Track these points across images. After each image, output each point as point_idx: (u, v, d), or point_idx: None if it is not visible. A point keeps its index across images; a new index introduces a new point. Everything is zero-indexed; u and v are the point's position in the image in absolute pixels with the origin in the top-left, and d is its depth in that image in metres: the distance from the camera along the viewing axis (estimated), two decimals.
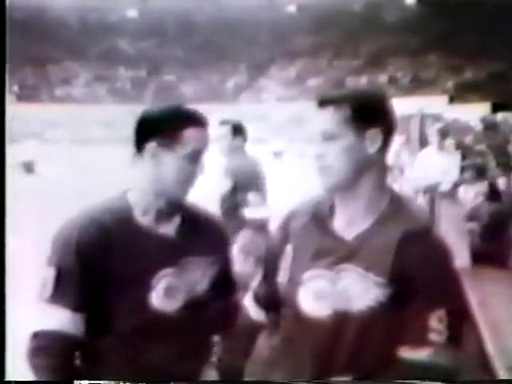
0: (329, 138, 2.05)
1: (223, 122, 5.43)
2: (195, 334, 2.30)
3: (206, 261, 2.34)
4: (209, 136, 2.32)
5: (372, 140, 2.03)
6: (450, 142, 8.72)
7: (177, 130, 2.25)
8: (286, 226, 2.24)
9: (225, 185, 5.20)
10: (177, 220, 2.33)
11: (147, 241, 2.27)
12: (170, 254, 2.28)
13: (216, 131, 5.29)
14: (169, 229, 2.31)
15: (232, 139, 5.30)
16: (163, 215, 2.30)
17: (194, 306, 2.30)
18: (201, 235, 2.36)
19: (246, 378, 2.27)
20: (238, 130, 5.32)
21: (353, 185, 2.06)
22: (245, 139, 5.33)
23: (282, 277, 2.17)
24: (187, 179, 2.28)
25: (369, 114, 2.04)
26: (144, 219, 2.29)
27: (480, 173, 9.60)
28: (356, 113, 2.03)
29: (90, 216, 2.29)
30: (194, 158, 2.25)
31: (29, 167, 22.69)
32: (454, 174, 8.31)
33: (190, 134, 2.25)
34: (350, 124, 2.03)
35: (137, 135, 2.29)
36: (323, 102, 2.07)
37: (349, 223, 2.09)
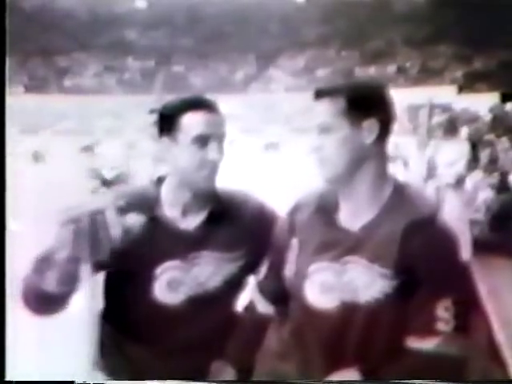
0: (325, 130, 2.06)
1: (152, 111, 5.50)
2: (196, 329, 2.30)
3: (224, 257, 2.32)
4: (219, 119, 2.30)
5: (368, 130, 2.04)
6: (457, 133, 8.72)
7: (176, 117, 2.25)
8: (291, 218, 2.25)
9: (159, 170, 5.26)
10: (203, 214, 2.32)
11: (162, 232, 2.26)
12: (181, 247, 2.27)
13: (147, 120, 5.44)
14: (191, 223, 2.30)
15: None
16: (189, 208, 2.29)
17: (198, 302, 2.29)
18: (228, 230, 2.33)
19: (257, 371, 2.27)
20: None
21: (352, 176, 2.08)
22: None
23: (289, 270, 2.18)
24: (203, 167, 2.27)
25: (364, 104, 2.05)
26: (170, 211, 2.29)
27: (489, 163, 9.58)
28: (351, 104, 2.04)
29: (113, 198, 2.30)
30: (202, 143, 2.24)
31: (38, 157, 22.74)
32: (460, 164, 8.31)
33: (189, 119, 2.25)
34: (345, 115, 2.04)
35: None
36: (319, 95, 2.09)
37: (353, 215, 2.10)
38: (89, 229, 2.17)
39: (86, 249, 2.17)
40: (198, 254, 2.31)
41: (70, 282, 2.20)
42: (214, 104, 2.32)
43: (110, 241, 2.19)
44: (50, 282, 2.20)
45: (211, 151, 2.26)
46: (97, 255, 2.18)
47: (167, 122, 2.33)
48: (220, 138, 2.30)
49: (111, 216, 2.21)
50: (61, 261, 2.18)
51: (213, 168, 2.28)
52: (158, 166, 2.47)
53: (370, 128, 2.05)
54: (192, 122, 2.28)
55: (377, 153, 2.10)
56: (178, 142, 2.30)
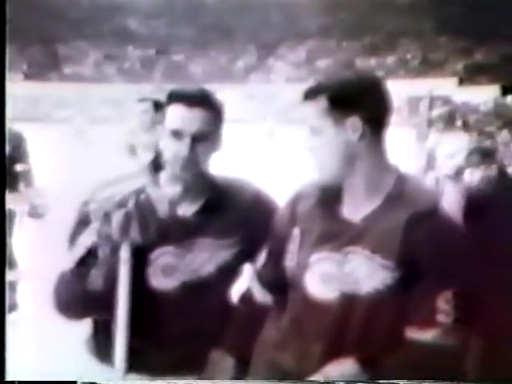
0: (314, 131, 2.06)
1: (142, 99, 5.65)
2: (191, 316, 2.30)
3: (218, 244, 2.32)
4: (200, 115, 2.28)
5: (353, 128, 2.04)
6: (457, 125, 8.73)
7: (165, 107, 2.26)
8: (292, 208, 2.25)
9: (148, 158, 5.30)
10: (200, 201, 2.32)
11: (159, 218, 2.25)
12: (177, 233, 2.27)
13: (137, 108, 5.56)
14: (188, 210, 2.31)
15: (153, 115, 5.48)
16: (184, 195, 2.29)
17: (192, 289, 2.29)
18: (223, 217, 2.33)
19: (255, 360, 2.27)
20: (158, 106, 5.48)
21: (348, 173, 2.07)
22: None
23: (290, 260, 2.18)
24: (178, 160, 2.26)
25: (345, 102, 2.05)
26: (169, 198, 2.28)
27: (488, 155, 9.57)
28: (332, 104, 2.03)
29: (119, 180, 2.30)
30: (177, 137, 2.24)
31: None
32: (460, 156, 8.30)
33: (170, 111, 2.25)
34: (328, 116, 2.04)
35: None
36: (306, 96, 2.09)
37: (355, 206, 2.10)
38: (135, 210, 2.18)
39: (135, 232, 2.17)
40: (193, 240, 2.31)
41: (114, 277, 2.21)
42: (202, 98, 2.31)
43: (156, 218, 2.19)
44: (95, 281, 2.21)
45: (182, 147, 2.27)
46: (146, 236, 2.19)
47: (161, 111, 2.34)
48: (194, 135, 2.28)
49: (154, 192, 2.22)
50: (105, 255, 2.19)
51: (184, 164, 2.28)
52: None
53: (353, 126, 2.05)
54: (171, 115, 2.29)
55: (371, 146, 2.10)
56: (164, 132, 2.31)
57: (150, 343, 2.30)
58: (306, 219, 2.20)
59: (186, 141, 2.28)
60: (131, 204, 2.17)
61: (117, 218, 2.17)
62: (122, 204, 2.18)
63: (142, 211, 2.17)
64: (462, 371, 2.07)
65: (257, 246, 2.39)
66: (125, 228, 2.17)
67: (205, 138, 2.30)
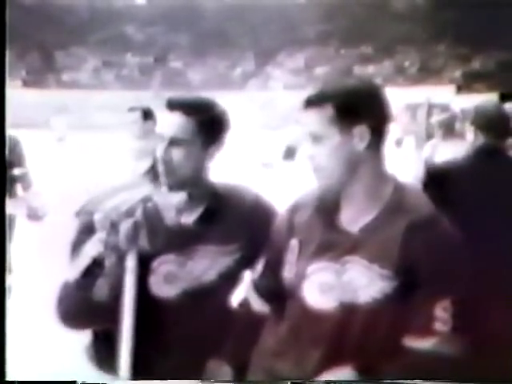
0: (317, 139, 2.04)
1: (132, 109, 5.70)
2: (192, 324, 2.28)
3: (219, 250, 2.31)
4: (178, 121, 2.27)
5: (360, 137, 2.02)
6: (456, 133, 8.73)
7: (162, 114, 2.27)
8: (290, 218, 2.23)
9: (142, 166, 5.31)
10: (200, 208, 2.31)
11: (166, 226, 2.24)
12: (179, 241, 2.26)
13: (127, 117, 5.62)
14: (189, 218, 2.29)
15: (143, 123, 5.53)
16: (184, 205, 2.27)
17: (194, 296, 2.27)
18: (224, 224, 2.32)
19: (253, 369, 2.25)
20: (147, 115, 5.56)
21: (349, 182, 2.06)
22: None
23: (288, 271, 2.16)
24: (160, 161, 2.26)
25: (353, 111, 2.02)
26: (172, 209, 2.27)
27: None
28: (339, 112, 2.01)
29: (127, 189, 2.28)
30: (163, 140, 2.24)
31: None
32: None
33: (164, 116, 2.26)
34: (334, 124, 2.01)
35: None
36: (309, 103, 2.06)
37: (353, 216, 2.08)
38: (144, 219, 2.16)
39: (143, 240, 2.15)
40: (194, 247, 2.30)
41: (119, 287, 2.18)
42: (183, 105, 2.29)
43: (164, 226, 2.17)
44: (101, 291, 2.18)
45: (161, 151, 2.26)
46: (154, 244, 2.17)
47: (150, 119, 2.38)
48: (171, 139, 2.26)
49: (161, 200, 2.20)
50: (111, 265, 2.16)
51: (163, 169, 2.27)
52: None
53: (360, 134, 2.03)
54: (159, 120, 2.31)
55: (372, 155, 2.08)
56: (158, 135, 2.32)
57: (151, 351, 2.29)
58: (304, 229, 2.18)
59: (163, 145, 2.26)
60: (139, 213, 2.15)
61: (125, 227, 2.15)
62: (129, 213, 2.15)
63: (150, 220, 2.15)
64: (459, 379, 2.06)
65: (258, 252, 2.37)
66: (133, 237, 2.15)
67: (184, 144, 2.27)
